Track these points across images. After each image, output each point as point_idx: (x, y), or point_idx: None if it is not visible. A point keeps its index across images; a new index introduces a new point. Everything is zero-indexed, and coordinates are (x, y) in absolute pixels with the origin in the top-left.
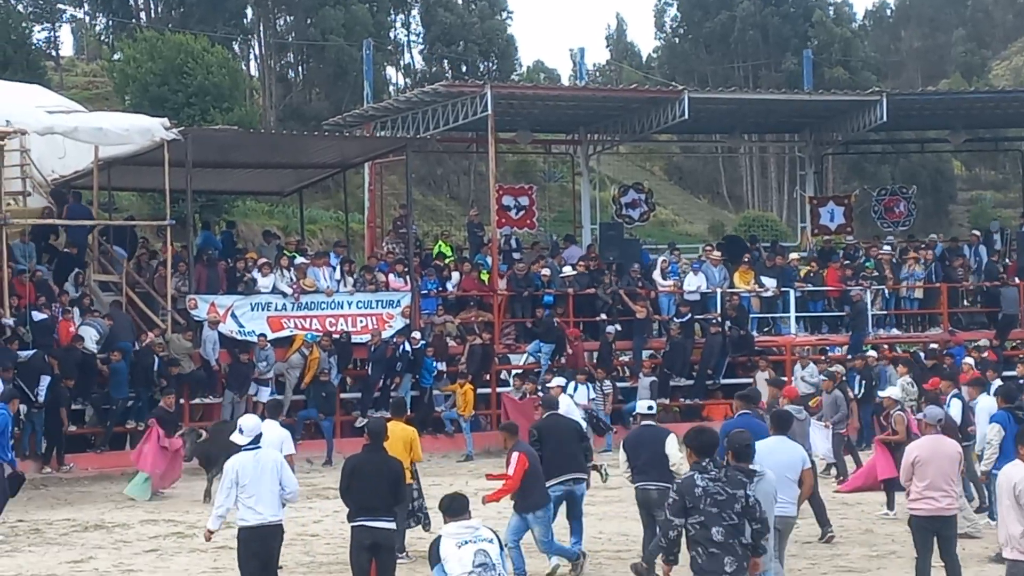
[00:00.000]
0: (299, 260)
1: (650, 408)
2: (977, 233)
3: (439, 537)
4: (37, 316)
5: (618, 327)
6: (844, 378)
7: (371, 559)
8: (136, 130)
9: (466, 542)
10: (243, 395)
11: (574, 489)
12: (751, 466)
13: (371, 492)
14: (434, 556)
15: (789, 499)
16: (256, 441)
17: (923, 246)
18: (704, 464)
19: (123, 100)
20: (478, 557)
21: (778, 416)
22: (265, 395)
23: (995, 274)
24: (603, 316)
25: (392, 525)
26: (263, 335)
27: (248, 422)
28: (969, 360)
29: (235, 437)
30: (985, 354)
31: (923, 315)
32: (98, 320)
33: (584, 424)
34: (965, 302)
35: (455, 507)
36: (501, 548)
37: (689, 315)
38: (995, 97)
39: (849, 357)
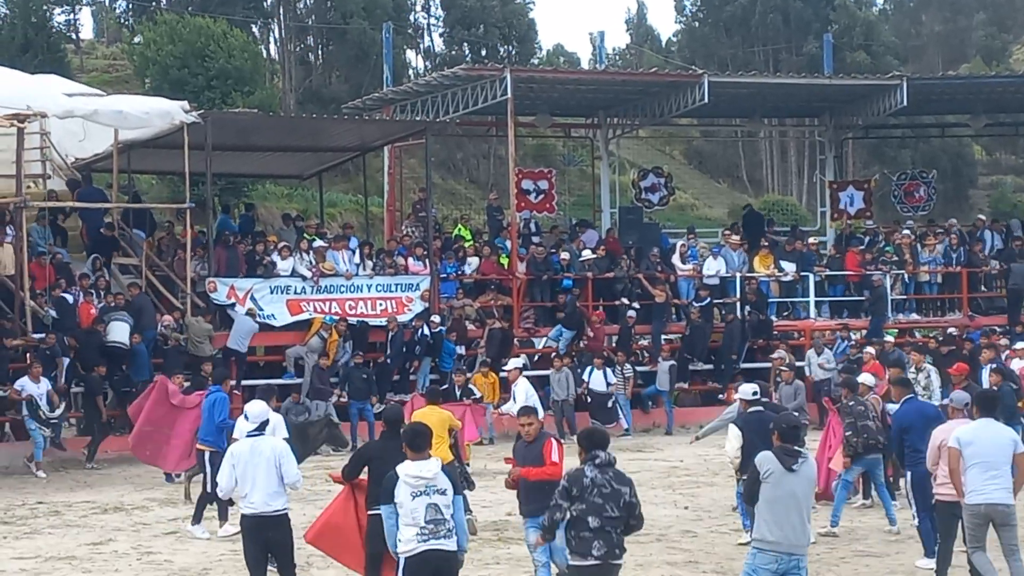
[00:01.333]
0: (318, 243)
1: (755, 393)
2: (982, 218)
3: (395, 475)
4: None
5: (637, 309)
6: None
7: (385, 546)
8: (156, 113)
9: (420, 493)
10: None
11: None
12: (797, 447)
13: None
14: (387, 493)
15: (1000, 486)
16: (261, 428)
17: (940, 231)
18: (597, 459)
19: (143, 83)
20: (429, 512)
21: (983, 397)
22: (283, 377)
23: (1013, 257)
24: (623, 300)
25: None
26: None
27: (254, 408)
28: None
29: (240, 424)
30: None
31: (943, 300)
32: (125, 314)
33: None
34: (983, 287)
35: (417, 442)
36: (456, 495)
37: (708, 299)
38: (1016, 81)
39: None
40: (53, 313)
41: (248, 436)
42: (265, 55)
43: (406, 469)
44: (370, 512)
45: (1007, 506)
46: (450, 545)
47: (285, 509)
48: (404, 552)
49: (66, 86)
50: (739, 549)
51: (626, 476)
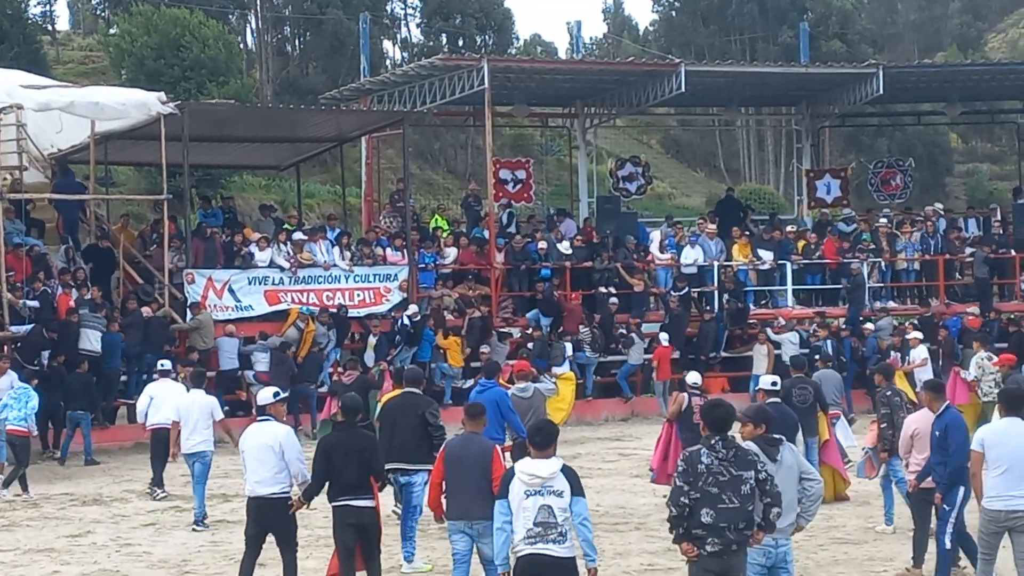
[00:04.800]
0: (296, 235)
1: (774, 384)
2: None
3: (513, 470)
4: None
5: (616, 295)
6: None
7: (356, 536)
8: (133, 104)
9: (535, 493)
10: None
11: (398, 478)
12: (776, 435)
13: (349, 470)
14: (503, 488)
15: (1021, 494)
16: (263, 412)
17: (919, 218)
18: (714, 442)
19: (119, 74)
20: (541, 513)
21: (1010, 395)
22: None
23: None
24: (601, 289)
25: (371, 503)
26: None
27: (264, 394)
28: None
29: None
30: (969, 320)
31: (920, 287)
32: (99, 319)
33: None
34: (958, 275)
35: (540, 439)
36: (575, 497)
37: (686, 288)
38: (991, 70)
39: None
40: (35, 304)
41: (258, 421)
42: (242, 46)
43: (523, 466)
44: (334, 504)
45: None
46: (560, 551)
47: (280, 492)
48: (514, 552)
49: (24, 78)
50: None
51: (750, 457)
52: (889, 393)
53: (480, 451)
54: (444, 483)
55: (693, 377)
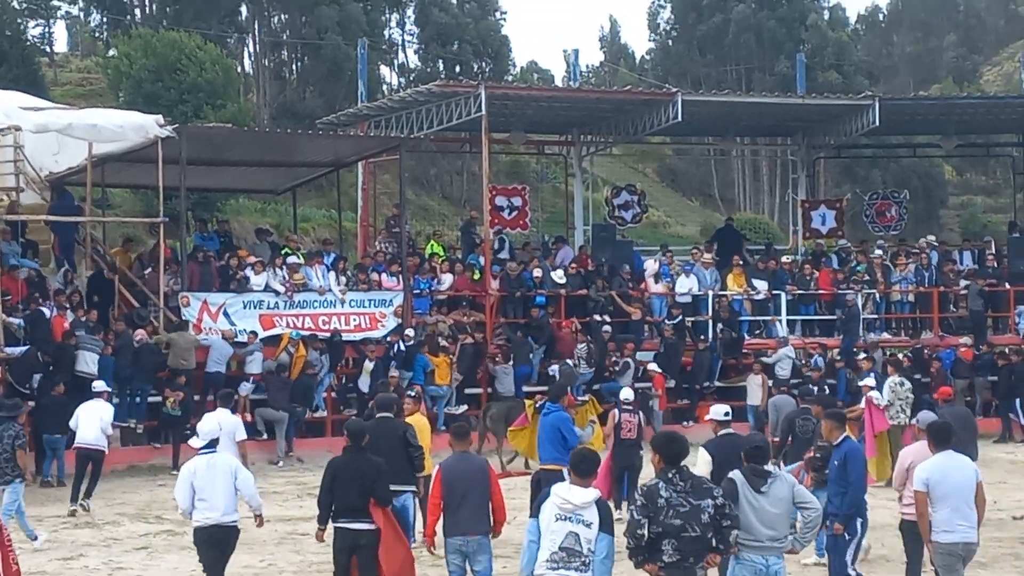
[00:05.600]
0: (292, 259)
1: (726, 414)
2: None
3: (549, 491)
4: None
5: (611, 323)
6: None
7: (351, 558)
8: (130, 127)
9: (565, 518)
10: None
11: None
12: (765, 467)
13: (350, 493)
14: (535, 507)
15: (971, 523)
16: (212, 445)
17: (914, 250)
18: (671, 475)
19: (117, 97)
20: (568, 540)
21: (938, 428)
22: (246, 390)
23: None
24: (596, 316)
25: (372, 526)
26: (253, 332)
27: (205, 426)
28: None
29: (192, 442)
30: (962, 352)
31: (914, 319)
32: (97, 342)
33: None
34: (952, 307)
35: (583, 467)
36: (602, 532)
37: (681, 317)
38: (987, 103)
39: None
40: (19, 322)
41: (201, 454)
42: (239, 69)
43: (559, 489)
44: (335, 526)
45: (976, 544)
46: None
47: (237, 520)
48: (536, 575)
49: (22, 100)
50: None
51: (705, 485)
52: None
53: (477, 468)
54: (443, 502)
55: (626, 393)
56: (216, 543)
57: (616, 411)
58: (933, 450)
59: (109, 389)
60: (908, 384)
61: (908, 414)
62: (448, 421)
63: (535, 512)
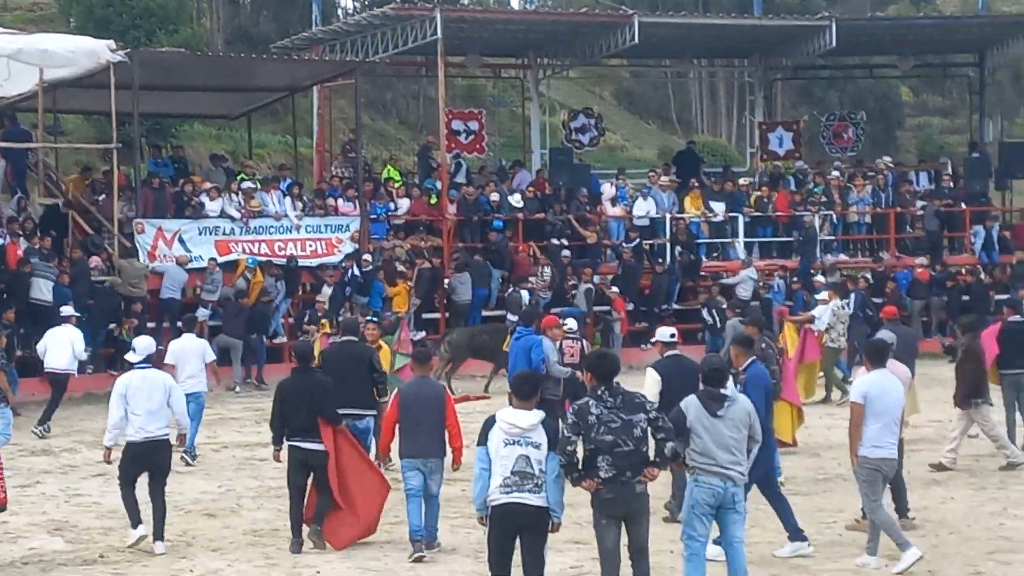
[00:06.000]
0: (247, 184)
1: (672, 336)
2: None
3: (494, 418)
4: None
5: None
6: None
7: (306, 477)
8: (82, 52)
9: (513, 442)
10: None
11: (355, 424)
12: (722, 391)
13: (300, 413)
14: (483, 435)
15: (895, 441)
16: (147, 360)
17: (871, 172)
18: (601, 391)
19: (68, 22)
20: (519, 463)
21: (874, 347)
22: (203, 316)
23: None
24: (554, 240)
25: (321, 447)
26: (213, 259)
27: (141, 342)
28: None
29: (128, 356)
30: (919, 273)
31: (871, 240)
32: (51, 268)
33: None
34: (909, 228)
35: (524, 390)
36: (551, 452)
37: (638, 240)
38: (943, 23)
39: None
40: None
41: (137, 368)
42: None
43: (504, 415)
44: (288, 444)
45: (897, 460)
46: (536, 500)
47: (168, 435)
48: (489, 501)
49: None
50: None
51: (637, 400)
52: (764, 345)
53: (434, 393)
54: (399, 424)
55: (571, 323)
56: (147, 457)
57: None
58: (869, 368)
59: (78, 314)
60: (849, 308)
61: (846, 336)
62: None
63: (482, 440)
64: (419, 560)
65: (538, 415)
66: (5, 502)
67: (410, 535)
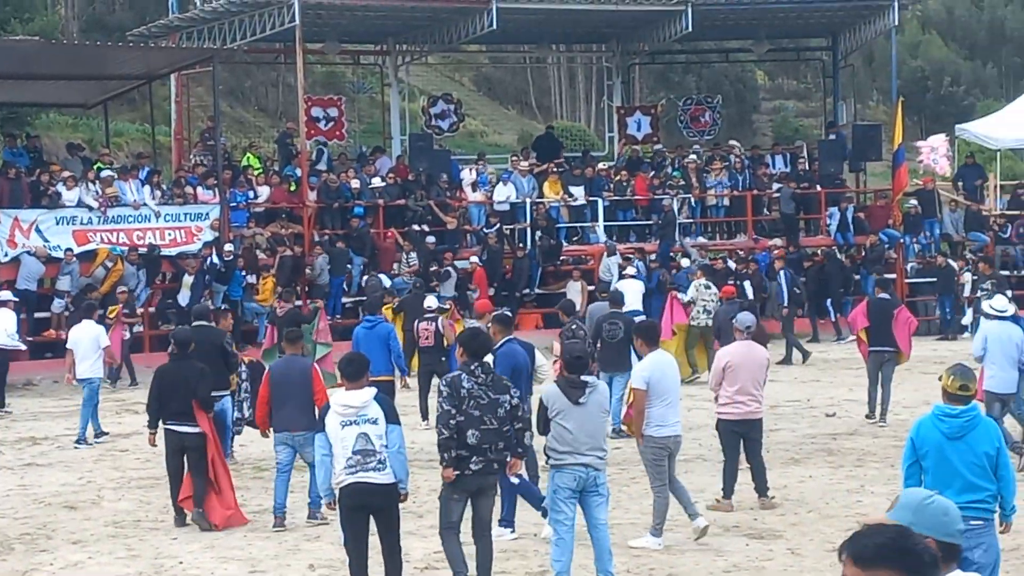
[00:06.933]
0: (105, 173)
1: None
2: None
3: (328, 405)
4: None
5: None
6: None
7: (182, 460)
8: None
9: (351, 423)
10: None
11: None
12: (583, 378)
13: (175, 397)
14: (320, 421)
15: (678, 417)
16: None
17: (727, 155)
18: (473, 367)
19: None
20: (359, 441)
21: (646, 328)
22: (59, 307)
23: (799, 180)
24: (415, 226)
25: (197, 429)
26: (69, 249)
27: None
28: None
29: None
30: (776, 254)
31: (729, 223)
32: None
33: None
34: (765, 211)
35: (351, 370)
36: (390, 425)
37: (499, 225)
38: (797, 7)
39: (657, 263)
40: None
41: None
42: None
43: (337, 398)
44: (164, 428)
45: (680, 437)
46: (381, 478)
47: None
48: (335, 484)
49: None
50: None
51: (504, 382)
52: (574, 327)
53: (302, 370)
54: (270, 400)
55: (429, 300)
56: None
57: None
58: (645, 351)
59: (16, 299)
60: (714, 288)
61: (709, 316)
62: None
63: (320, 426)
64: (280, 530)
65: (370, 392)
66: None
67: (274, 510)
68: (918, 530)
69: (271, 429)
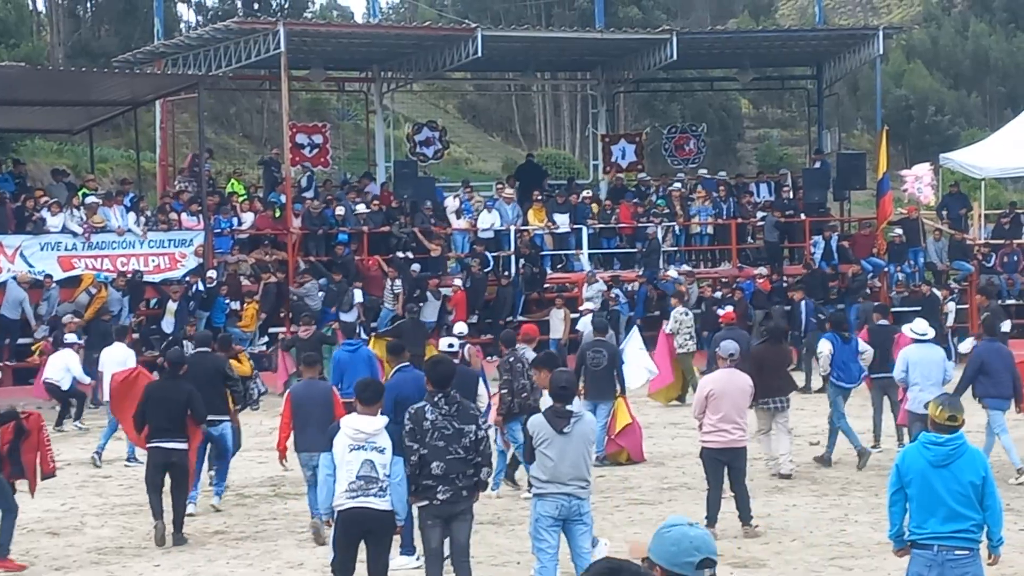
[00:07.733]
0: (90, 199)
1: (451, 346)
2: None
3: (337, 425)
4: None
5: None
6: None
7: (164, 476)
8: None
9: (358, 448)
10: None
11: (211, 430)
12: (568, 407)
13: (164, 415)
14: (328, 441)
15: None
16: None
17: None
18: (437, 398)
19: None
20: (364, 468)
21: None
22: (43, 334)
23: (783, 209)
24: (399, 253)
25: (183, 445)
26: (49, 275)
27: None
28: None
29: None
30: (760, 283)
31: (713, 251)
32: None
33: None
34: (750, 239)
35: (367, 395)
36: (395, 456)
37: (483, 253)
38: (782, 36)
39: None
40: None
41: None
42: (32, 7)
43: (349, 421)
44: (148, 445)
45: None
46: (381, 504)
47: None
48: (335, 506)
49: None
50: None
51: (471, 411)
52: (512, 359)
53: (322, 392)
54: (293, 422)
55: (445, 341)
56: None
57: None
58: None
59: (80, 341)
60: (691, 315)
61: (695, 341)
62: (254, 358)
63: (327, 446)
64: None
65: (383, 420)
66: (55, 470)
67: (317, 517)
68: (654, 557)
69: (294, 450)
